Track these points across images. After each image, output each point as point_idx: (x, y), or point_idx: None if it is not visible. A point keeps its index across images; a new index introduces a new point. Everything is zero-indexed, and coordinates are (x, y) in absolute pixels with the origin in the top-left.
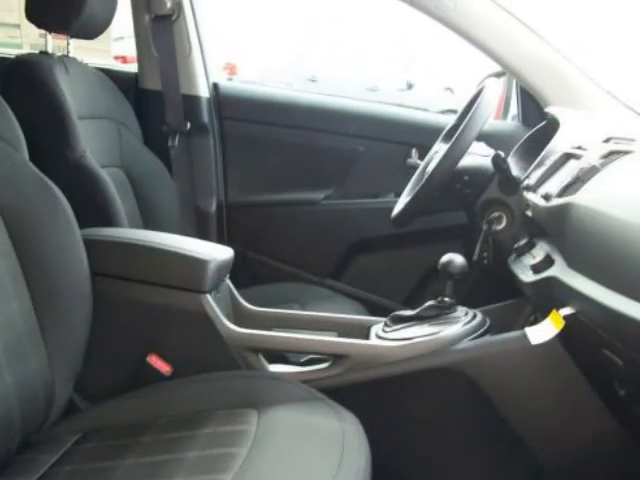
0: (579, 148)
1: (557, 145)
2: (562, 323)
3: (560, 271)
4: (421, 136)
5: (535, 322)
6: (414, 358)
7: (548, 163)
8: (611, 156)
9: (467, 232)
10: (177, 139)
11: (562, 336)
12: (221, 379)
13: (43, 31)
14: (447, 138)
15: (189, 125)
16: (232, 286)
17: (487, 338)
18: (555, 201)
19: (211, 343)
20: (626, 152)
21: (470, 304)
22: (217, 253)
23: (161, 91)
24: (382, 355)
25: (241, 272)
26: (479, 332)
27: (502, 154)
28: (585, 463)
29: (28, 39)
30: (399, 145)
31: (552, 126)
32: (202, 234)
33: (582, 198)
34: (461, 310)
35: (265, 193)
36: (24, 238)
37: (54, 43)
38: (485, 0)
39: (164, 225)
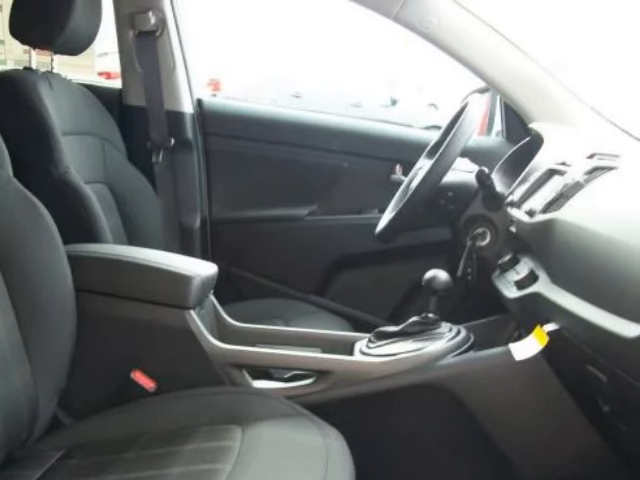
0: (563, 164)
1: (541, 161)
2: (546, 339)
3: (544, 287)
4: (405, 152)
5: (519, 338)
6: (398, 374)
7: (532, 179)
8: (595, 172)
9: (451, 248)
10: (161, 155)
11: (546, 352)
12: (205, 395)
13: (27, 47)
14: (431, 154)
15: (173, 141)
16: (216, 302)
17: (471, 354)
18: (539, 217)
19: (195, 359)
20: (610, 168)
21: (454, 320)
22: (201, 269)
23: (145, 107)
24: (366, 371)
25: (225, 288)
26: (463, 348)
27: (486, 170)
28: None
29: (12, 55)
30: (383, 161)
31: (536, 142)
32: (186, 250)
33: (566, 214)
34: (445, 326)
35: (249, 209)
36: (8, 254)
37: (38, 59)
38: (469, 16)
39: (148, 241)
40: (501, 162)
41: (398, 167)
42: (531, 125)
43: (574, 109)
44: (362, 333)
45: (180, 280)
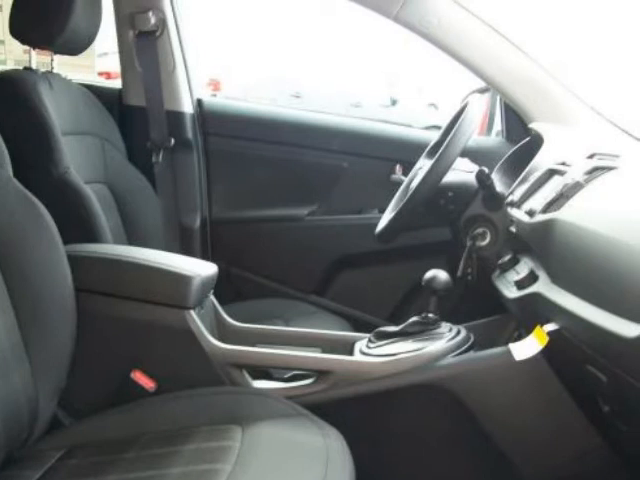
0: (563, 164)
1: (541, 161)
2: (546, 339)
3: (544, 287)
4: (405, 152)
5: (519, 338)
6: (398, 374)
7: (532, 179)
8: (595, 172)
9: (451, 248)
10: (161, 155)
11: (546, 352)
12: (205, 395)
13: (27, 47)
14: (431, 154)
15: (173, 141)
16: (216, 302)
17: (471, 354)
18: (539, 217)
19: (195, 359)
20: (610, 168)
21: (454, 320)
22: (201, 269)
23: (145, 107)
24: (366, 371)
25: (225, 288)
26: (463, 348)
27: (486, 170)
28: None
29: (12, 55)
30: (383, 161)
31: (536, 142)
32: (186, 250)
33: (566, 214)
34: (445, 326)
35: (249, 209)
36: (8, 254)
37: (38, 59)
38: (469, 16)
39: (148, 241)
40: (501, 162)
41: (398, 167)
42: (531, 125)
43: (574, 109)
44: (362, 333)
45: (180, 280)
